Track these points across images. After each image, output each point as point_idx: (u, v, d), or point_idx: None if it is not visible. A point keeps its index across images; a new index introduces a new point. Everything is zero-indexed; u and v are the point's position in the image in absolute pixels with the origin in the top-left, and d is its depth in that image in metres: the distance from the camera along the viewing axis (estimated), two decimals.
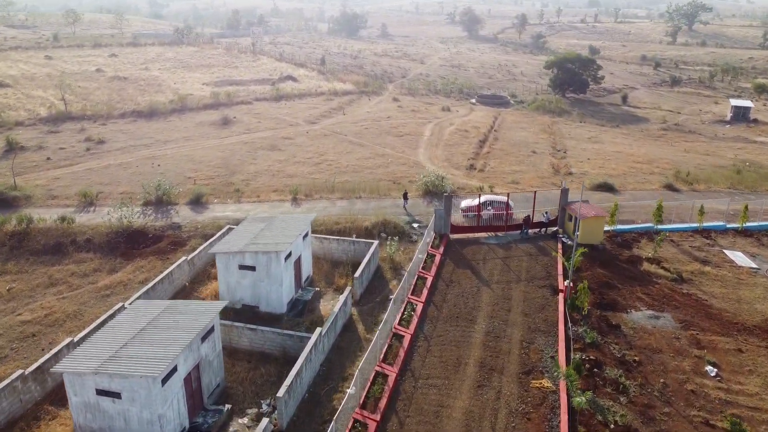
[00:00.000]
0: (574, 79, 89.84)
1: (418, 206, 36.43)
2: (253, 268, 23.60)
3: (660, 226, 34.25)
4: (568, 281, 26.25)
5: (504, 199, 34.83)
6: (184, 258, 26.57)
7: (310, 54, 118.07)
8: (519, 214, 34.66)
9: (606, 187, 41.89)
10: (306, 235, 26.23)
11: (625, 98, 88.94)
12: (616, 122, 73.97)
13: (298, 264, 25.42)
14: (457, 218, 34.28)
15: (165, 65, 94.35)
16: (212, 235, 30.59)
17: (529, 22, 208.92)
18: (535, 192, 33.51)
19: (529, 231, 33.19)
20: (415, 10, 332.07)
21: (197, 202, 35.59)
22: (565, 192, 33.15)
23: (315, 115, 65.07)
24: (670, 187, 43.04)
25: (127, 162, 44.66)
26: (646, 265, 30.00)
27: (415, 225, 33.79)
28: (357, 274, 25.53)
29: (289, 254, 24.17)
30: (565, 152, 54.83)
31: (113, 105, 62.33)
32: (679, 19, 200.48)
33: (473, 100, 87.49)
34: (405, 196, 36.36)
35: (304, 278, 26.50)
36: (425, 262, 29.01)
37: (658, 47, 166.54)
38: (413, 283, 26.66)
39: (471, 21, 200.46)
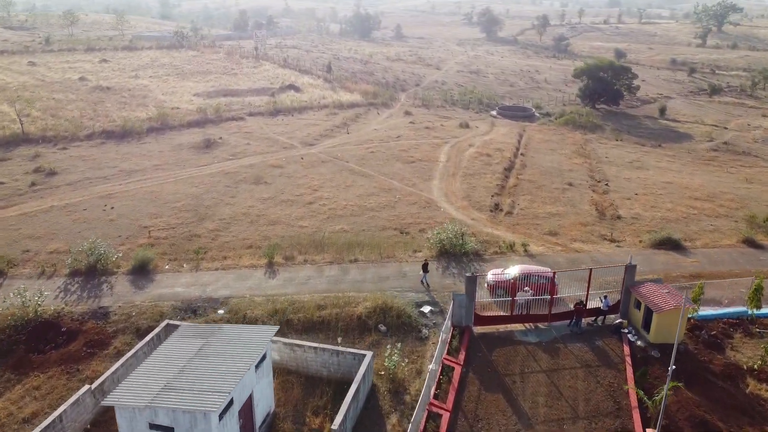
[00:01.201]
0: (606, 90, 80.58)
1: (429, 275, 27.78)
2: (170, 430, 15.18)
3: (758, 311, 25.37)
4: None
5: (545, 271, 26.13)
6: (86, 388, 18.14)
7: (317, 59, 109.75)
8: (564, 289, 25.97)
9: (670, 244, 32.95)
10: (263, 359, 17.75)
11: (663, 111, 79.49)
12: (656, 140, 64.84)
13: (247, 409, 16.96)
14: (482, 295, 25.60)
15: (158, 72, 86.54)
16: (148, 329, 22.25)
17: (550, 23, 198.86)
18: (591, 271, 24.61)
19: (582, 321, 24.48)
20: (431, 9, 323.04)
21: (142, 271, 27.23)
22: (631, 270, 24.34)
23: (314, 134, 56.65)
24: (750, 243, 33.98)
25: (75, 203, 36.51)
26: (752, 385, 21.15)
27: (426, 310, 25.15)
28: (338, 420, 16.92)
29: (230, 403, 15.71)
30: (606, 184, 45.93)
31: (82, 123, 54.36)
32: (708, 20, 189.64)
33: (494, 113, 78.73)
34: (425, 268, 27.52)
35: (259, 422, 17.98)
36: (439, 381, 20.41)
37: (687, 50, 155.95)
38: (422, 427, 18.05)
39: (489, 22, 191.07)
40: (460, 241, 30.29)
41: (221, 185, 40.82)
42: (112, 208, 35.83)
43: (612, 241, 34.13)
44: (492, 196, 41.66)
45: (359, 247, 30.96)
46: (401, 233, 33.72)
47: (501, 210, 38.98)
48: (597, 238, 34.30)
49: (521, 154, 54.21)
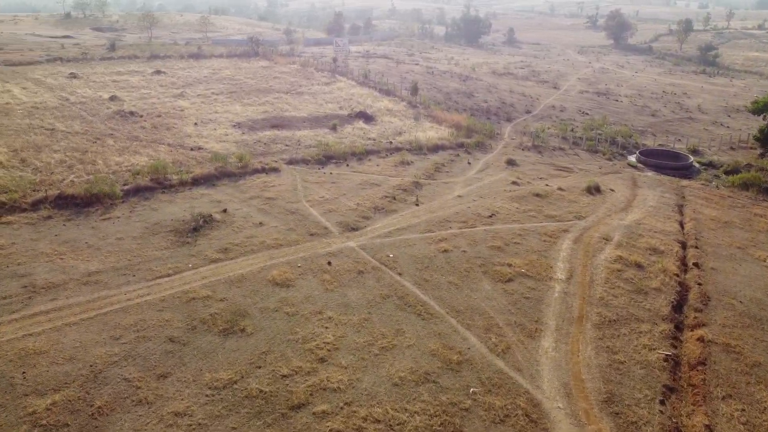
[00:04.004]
0: None
1: None
2: None
3: None
4: None
5: None
6: None
7: (406, 74, 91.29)
8: None
9: None
10: None
11: None
12: None
13: None
14: None
15: (209, 89, 71.96)
16: None
17: (692, 27, 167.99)
18: None
19: None
20: (550, 11, 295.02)
21: None
22: None
23: (367, 204, 38.24)
24: None
25: None
26: None
27: None
28: None
29: None
30: None
31: (48, 178, 39.30)
32: None
33: (633, 159, 56.93)
34: None
35: None
36: None
37: None
38: None
39: (618, 27, 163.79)
40: None
41: (161, 336, 23.32)
42: None
43: None
44: (660, 401, 21.20)
45: None
46: None
47: None
48: None
49: (694, 265, 32.72)
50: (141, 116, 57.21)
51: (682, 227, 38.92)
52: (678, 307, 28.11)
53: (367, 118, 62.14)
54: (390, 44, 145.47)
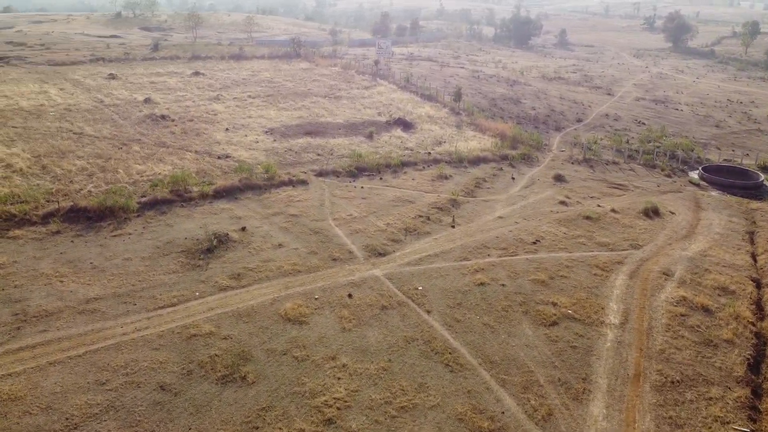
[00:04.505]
0: None
1: None
2: None
3: None
4: None
5: None
6: None
7: (450, 77, 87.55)
8: None
9: None
10: None
11: None
12: None
13: None
14: None
15: (245, 92, 70.06)
16: None
17: (760, 29, 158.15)
18: None
19: None
20: (604, 12, 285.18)
21: None
22: None
23: (398, 224, 35.00)
24: None
25: None
26: None
27: None
28: None
29: None
30: None
31: (65, 187, 37.52)
32: None
33: (695, 175, 51.97)
34: None
35: None
36: None
37: None
38: None
39: (677, 29, 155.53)
40: None
41: (152, 383, 20.64)
42: None
43: None
44: None
45: None
46: None
47: None
48: None
49: None
50: (172, 120, 55.47)
51: (755, 260, 34.23)
52: (755, 365, 23.83)
53: (406, 125, 58.85)
54: (436, 46, 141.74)
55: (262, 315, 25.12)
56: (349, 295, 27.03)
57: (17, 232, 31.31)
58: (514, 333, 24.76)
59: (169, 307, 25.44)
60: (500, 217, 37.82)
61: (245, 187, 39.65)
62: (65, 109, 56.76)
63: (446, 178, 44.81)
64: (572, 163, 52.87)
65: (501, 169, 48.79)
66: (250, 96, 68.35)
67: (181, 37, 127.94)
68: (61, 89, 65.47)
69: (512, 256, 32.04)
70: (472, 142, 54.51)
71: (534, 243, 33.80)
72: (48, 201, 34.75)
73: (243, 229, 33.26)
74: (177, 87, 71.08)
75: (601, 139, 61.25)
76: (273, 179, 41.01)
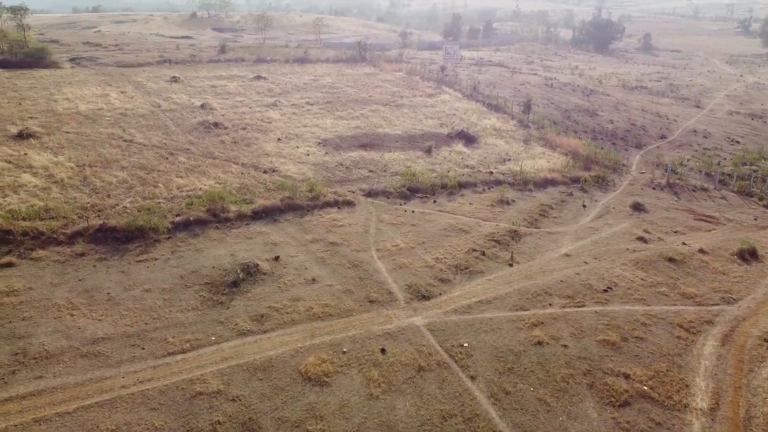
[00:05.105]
0: None
1: None
2: None
3: None
4: None
5: None
6: None
7: (521, 85, 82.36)
8: None
9: None
10: None
11: None
12: None
13: None
14: None
15: (304, 98, 67.86)
16: None
17: None
18: None
19: None
20: (693, 13, 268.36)
21: None
22: None
23: (447, 259, 31.20)
24: None
25: None
26: None
27: None
28: None
29: None
30: None
31: (100, 202, 35.84)
32: None
33: None
34: None
35: None
36: None
37: None
38: None
39: None
40: None
41: None
42: None
43: None
44: None
45: None
46: None
47: None
48: None
49: None
50: (225, 128, 53.70)
51: None
52: None
53: (469, 139, 54.68)
54: (509, 49, 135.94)
55: (279, 371, 21.93)
56: (382, 350, 23.45)
57: (41, 252, 29.59)
58: (574, 414, 20.46)
59: (179, 353, 22.69)
60: (566, 255, 33.21)
61: (286, 207, 36.80)
62: (121, 113, 56.07)
63: (508, 203, 40.44)
64: (654, 188, 47.19)
65: (571, 194, 43.88)
66: (308, 102, 66.00)
67: (251, 38, 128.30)
68: (122, 92, 65.28)
69: (578, 306, 27.53)
70: (540, 161, 49.73)
71: (605, 291, 29.10)
72: (80, 217, 33.05)
73: (276, 258, 30.32)
74: (236, 92, 69.72)
75: (688, 160, 54.94)
76: (317, 199, 38.01)
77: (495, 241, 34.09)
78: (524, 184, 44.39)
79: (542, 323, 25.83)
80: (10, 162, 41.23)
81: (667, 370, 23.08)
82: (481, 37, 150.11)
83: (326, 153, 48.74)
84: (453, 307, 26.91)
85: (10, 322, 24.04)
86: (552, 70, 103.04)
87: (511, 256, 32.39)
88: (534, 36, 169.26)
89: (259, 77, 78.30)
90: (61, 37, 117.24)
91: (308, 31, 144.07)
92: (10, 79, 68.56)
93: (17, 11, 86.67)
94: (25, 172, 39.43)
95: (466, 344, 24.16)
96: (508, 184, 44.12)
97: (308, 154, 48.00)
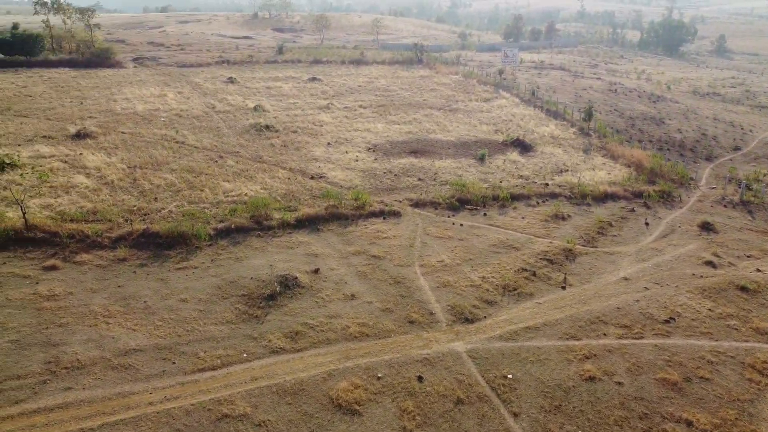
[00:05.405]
0: None
1: None
2: None
3: None
4: None
5: None
6: None
7: (582, 91, 79.06)
8: None
9: None
10: None
11: None
12: None
13: None
14: None
15: (359, 100, 67.22)
16: None
17: None
18: None
19: None
20: None
21: None
22: None
23: (497, 278, 29.59)
24: None
25: None
26: None
27: None
28: None
29: None
30: None
31: (146, 206, 35.89)
32: None
33: None
34: None
35: None
36: None
37: None
38: None
39: None
40: None
41: None
42: None
43: None
44: None
45: None
46: None
47: None
48: None
49: None
50: (276, 131, 53.47)
51: None
52: None
53: (525, 147, 52.48)
54: (572, 52, 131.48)
55: (309, 395, 20.88)
56: (419, 378, 22.06)
57: (85, 256, 29.66)
58: None
59: (209, 370, 21.98)
60: (625, 279, 30.87)
61: (330, 216, 35.88)
62: (176, 114, 56.72)
63: (563, 218, 38.22)
64: (725, 205, 43.81)
65: (633, 210, 41.17)
66: (361, 105, 65.17)
67: (309, 39, 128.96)
68: (179, 92, 66.22)
69: (636, 338, 25.31)
70: (600, 173, 47.08)
71: (667, 321, 26.72)
72: (125, 220, 33.10)
73: (316, 271, 29.38)
74: (290, 93, 69.66)
75: (765, 175, 50.95)
76: (362, 208, 36.92)
77: (547, 260, 32.09)
78: (582, 197, 41.98)
79: (595, 356, 23.83)
80: (66, 162, 42.04)
81: (736, 419, 20.72)
82: (542, 39, 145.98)
83: (375, 159, 47.67)
84: (498, 333, 25.23)
85: (47, 328, 23.97)
86: (617, 74, 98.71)
87: (564, 278, 30.35)
88: (599, 38, 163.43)
89: (314, 79, 78.12)
90: (127, 36, 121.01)
91: (366, 32, 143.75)
92: (75, 79, 70.74)
93: (85, 12, 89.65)
94: (78, 172, 40.04)
95: (510, 376, 22.46)
96: (565, 197, 41.83)
97: (357, 160, 47.04)
